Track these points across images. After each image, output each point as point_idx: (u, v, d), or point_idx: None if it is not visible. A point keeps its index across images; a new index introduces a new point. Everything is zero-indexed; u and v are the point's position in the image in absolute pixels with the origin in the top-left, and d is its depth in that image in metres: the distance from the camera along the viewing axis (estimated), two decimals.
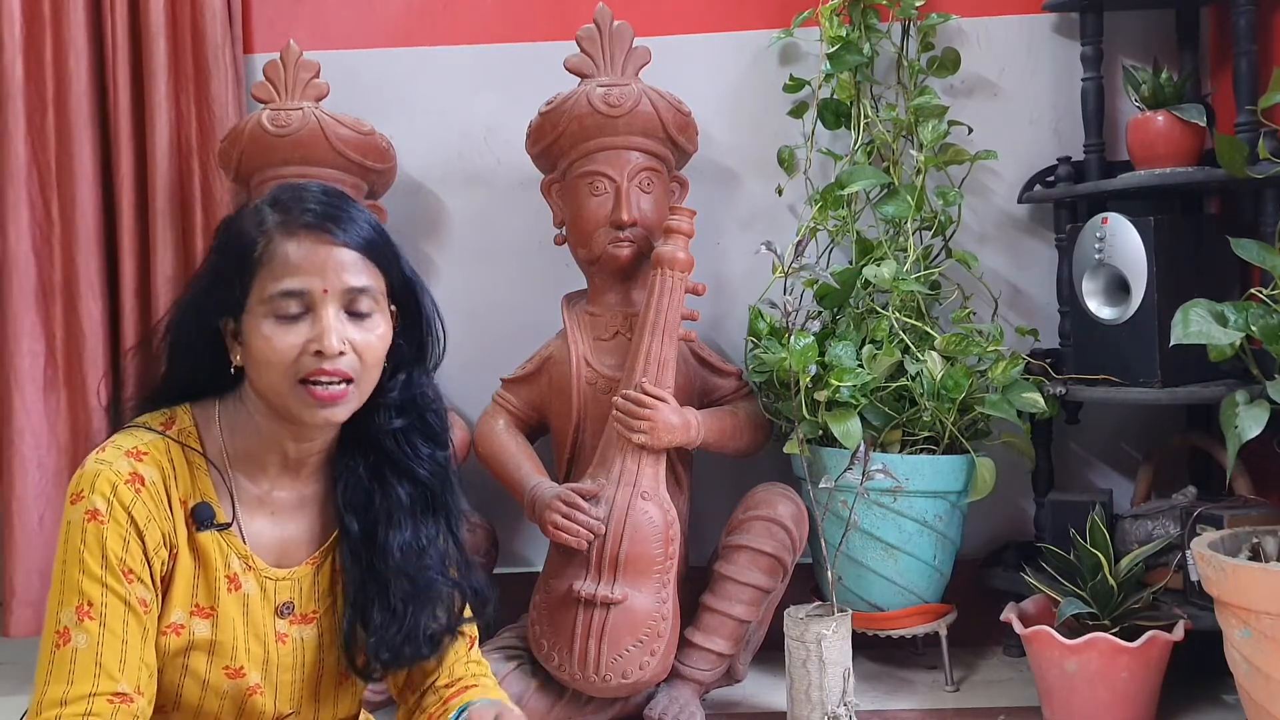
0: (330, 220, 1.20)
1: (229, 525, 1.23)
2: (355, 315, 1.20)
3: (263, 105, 2.30)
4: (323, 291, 1.18)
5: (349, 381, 1.19)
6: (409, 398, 1.28)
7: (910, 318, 2.23)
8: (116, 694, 1.12)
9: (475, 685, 1.32)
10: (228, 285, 1.21)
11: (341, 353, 1.17)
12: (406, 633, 1.26)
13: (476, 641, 1.37)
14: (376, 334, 1.21)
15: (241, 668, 1.23)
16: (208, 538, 1.22)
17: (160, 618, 1.19)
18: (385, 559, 1.26)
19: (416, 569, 1.26)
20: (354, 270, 1.20)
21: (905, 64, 2.39)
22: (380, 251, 1.23)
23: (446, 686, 1.33)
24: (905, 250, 2.30)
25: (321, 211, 1.21)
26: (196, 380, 1.26)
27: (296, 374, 1.17)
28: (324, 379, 1.17)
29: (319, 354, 1.16)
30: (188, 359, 1.25)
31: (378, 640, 1.26)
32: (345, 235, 1.20)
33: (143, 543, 1.16)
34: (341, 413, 1.20)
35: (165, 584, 1.19)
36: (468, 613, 1.34)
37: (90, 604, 1.13)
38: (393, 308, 1.26)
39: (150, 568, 1.17)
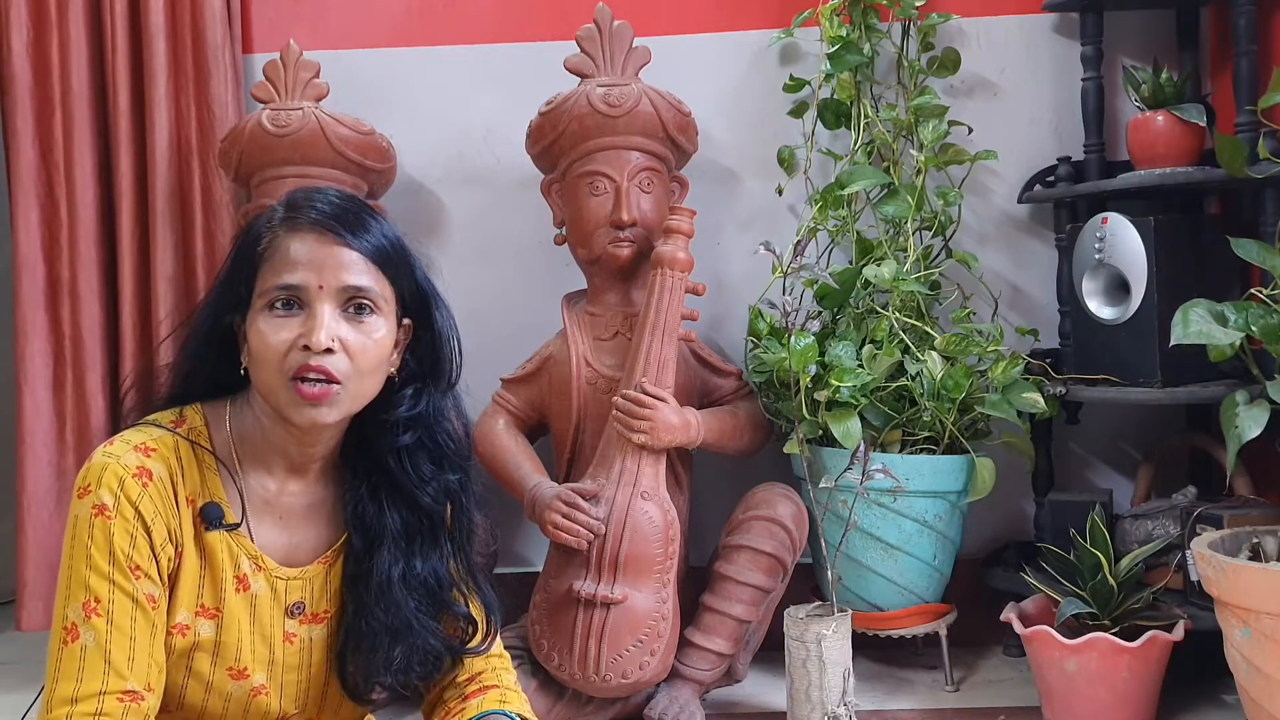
0: (336, 220, 1.19)
1: (238, 526, 1.22)
2: (353, 316, 1.19)
3: (263, 105, 2.30)
4: (318, 288, 1.17)
5: (338, 383, 1.17)
6: (416, 414, 1.26)
7: (910, 318, 2.23)
8: (126, 692, 1.12)
9: (495, 686, 1.31)
10: (236, 282, 1.21)
11: (330, 350, 1.16)
12: (385, 661, 1.25)
13: (497, 636, 1.36)
14: (373, 337, 1.19)
15: (245, 669, 1.23)
16: (216, 538, 1.21)
17: (166, 616, 1.19)
18: (367, 585, 1.25)
19: (397, 601, 1.24)
20: (354, 270, 1.18)
21: (905, 64, 2.39)
22: (390, 260, 1.22)
23: (467, 683, 1.33)
24: (905, 250, 2.30)
25: (329, 211, 1.20)
26: (214, 381, 1.25)
27: (287, 370, 1.16)
28: (311, 375, 1.15)
29: (307, 349, 1.15)
30: (205, 359, 1.24)
31: (364, 668, 1.26)
32: (350, 236, 1.19)
33: (149, 538, 1.15)
34: (329, 414, 1.18)
35: (171, 582, 1.19)
36: (475, 640, 1.33)
37: (98, 600, 1.12)
38: (406, 321, 1.25)
39: (157, 563, 1.16)
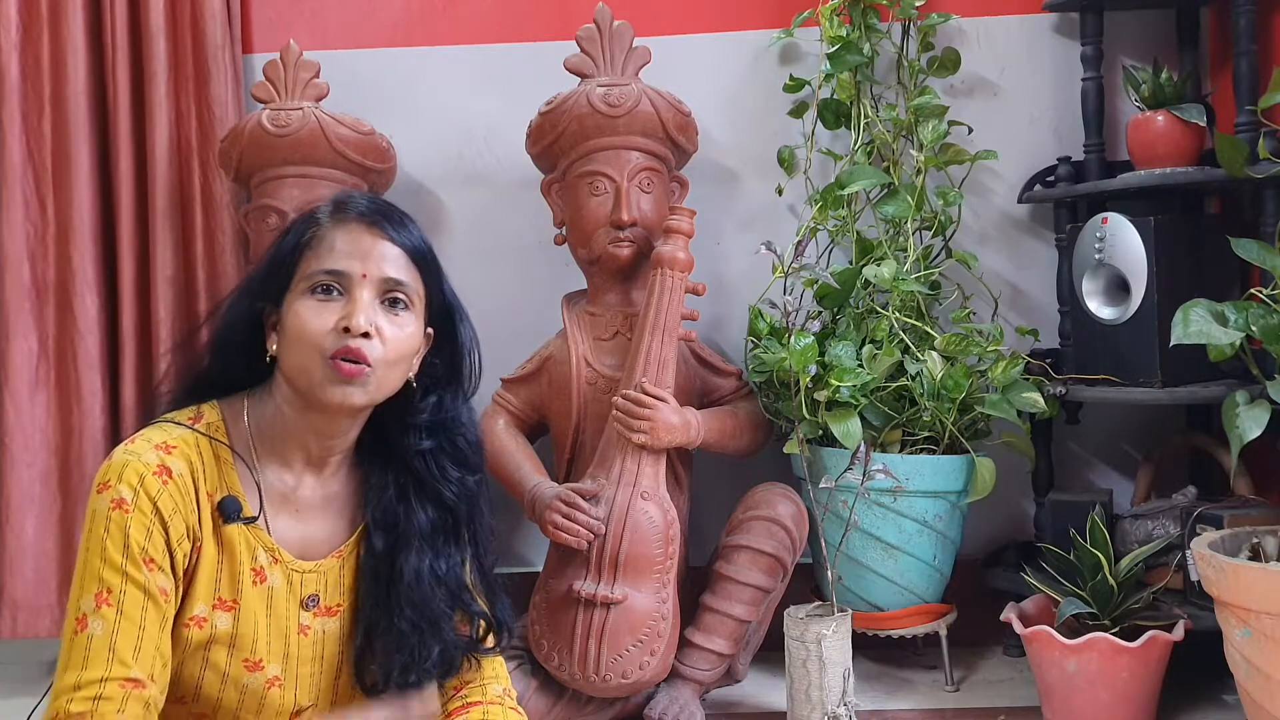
0: (381, 216, 1.27)
1: (255, 519, 1.25)
2: (388, 309, 1.24)
3: (263, 105, 2.30)
4: (361, 276, 1.23)
5: (370, 366, 1.21)
6: (439, 420, 1.32)
7: (910, 318, 2.23)
8: (129, 679, 1.13)
9: (479, 702, 1.32)
10: (277, 272, 1.26)
11: (367, 334, 1.21)
12: (410, 659, 1.27)
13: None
14: (405, 331, 1.25)
15: (260, 660, 1.24)
16: (234, 531, 1.23)
17: (182, 610, 1.20)
18: (398, 583, 1.28)
19: (426, 598, 1.28)
20: (395, 264, 1.25)
21: (905, 64, 2.39)
22: (426, 263, 1.29)
23: (454, 693, 1.34)
24: (905, 250, 2.30)
25: (375, 208, 1.28)
26: (232, 373, 1.29)
27: (325, 350, 1.20)
28: (348, 357, 1.20)
29: (346, 330, 1.20)
30: (230, 349, 1.29)
31: (384, 664, 1.27)
32: (394, 232, 1.26)
33: (166, 533, 1.17)
34: (358, 395, 1.22)
35: (188, 577, 1.21)
36: (489, 641, 1.35)
37: (109, 591, 1.14)
38: (429, 330, 1.30)
39: (172, 558, 1.18)
